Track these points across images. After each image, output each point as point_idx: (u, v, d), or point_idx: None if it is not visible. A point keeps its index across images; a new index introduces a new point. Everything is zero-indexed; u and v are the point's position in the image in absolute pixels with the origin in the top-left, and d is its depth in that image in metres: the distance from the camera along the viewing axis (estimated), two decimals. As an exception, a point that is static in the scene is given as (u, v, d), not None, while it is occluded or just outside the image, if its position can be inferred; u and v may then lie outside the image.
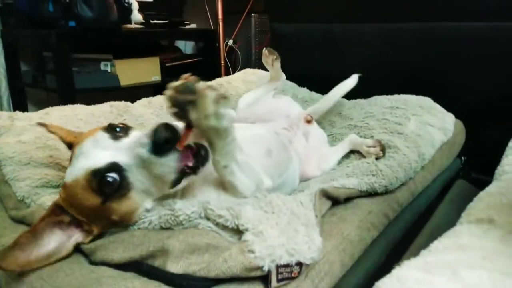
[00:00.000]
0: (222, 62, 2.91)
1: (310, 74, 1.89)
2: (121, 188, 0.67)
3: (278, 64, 1.40)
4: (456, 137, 1.42)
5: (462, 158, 1.51)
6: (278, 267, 0.63)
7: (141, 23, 2.61)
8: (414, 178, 1.14)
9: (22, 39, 2.45)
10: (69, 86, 2.15)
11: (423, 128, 1.29)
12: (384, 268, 0.93)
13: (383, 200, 1.02)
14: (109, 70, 2.40)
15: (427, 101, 1.46)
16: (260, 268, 0.62)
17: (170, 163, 0.66)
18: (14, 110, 2.14)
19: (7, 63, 2.45)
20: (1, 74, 2.45)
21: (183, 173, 0.69)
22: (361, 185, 0.99)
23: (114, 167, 0.67)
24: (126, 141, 0.70)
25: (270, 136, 1.10)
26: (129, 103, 1.36)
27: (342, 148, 1.26)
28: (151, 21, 2.65)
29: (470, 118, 1.55)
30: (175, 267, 0.63)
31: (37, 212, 0.78)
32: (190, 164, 0.69)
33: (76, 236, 0.71)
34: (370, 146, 1.17)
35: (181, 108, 0.66)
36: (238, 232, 0.67)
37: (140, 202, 0.71)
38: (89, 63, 2.38)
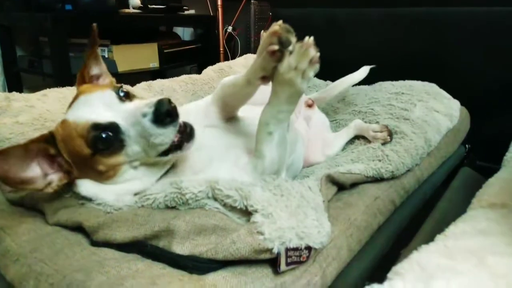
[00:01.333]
0: (221, 49, 2.87)
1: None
2: (113, 147, 0.70)
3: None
4: (461, 124, 1.41)
5: (466, 145, 1.49)
6: (287, 250, 0.61)
7: (139, 8, 2.56)
8: (420, 165, 1.13)
9: (17, 23, 2.39)
10: (65, 71, 2.09)
11: (429, 114, 1.27)
12: (391, 253, 0.92)
13: (389, 186, 1.01)
14: (106, 56, 2.35)
15: (432, 87, 1.44)
16: (269, 250, 0.60)
17: (169, 135, 0.68)
18: (10, 95, 2.09)
19: (2, 47, 2.39)
20: (-4, 59, 2.40)
21: (171, 147, 0.71)
22: (367, 171, 0.97)
23: (113, 127, 0.69)
24: (129, 106, 0.72)
25: None
26: (129, 86, 1.33)
27: (347, 133, 1.24)
28: (149, 6, 2.59)
29: (474, 106, 1.53)
30: (180, 248, 0.61)
31: (36, 194, 0.77)
32: (176, 139, 0.70)
33: (52, 177, 0.73)
34: (377, 131, 1.15)
35: (280, 47, 0.65)
36: (246, 213, 0.65)
37: (128, 160, 0.72)
38: (86, 48, 2.32)
